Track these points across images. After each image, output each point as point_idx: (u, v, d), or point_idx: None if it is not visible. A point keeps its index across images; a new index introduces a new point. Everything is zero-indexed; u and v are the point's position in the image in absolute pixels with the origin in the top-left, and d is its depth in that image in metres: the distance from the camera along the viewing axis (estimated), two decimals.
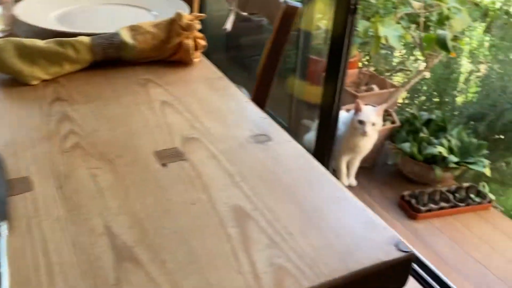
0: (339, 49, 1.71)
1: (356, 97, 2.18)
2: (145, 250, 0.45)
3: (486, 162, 2.01)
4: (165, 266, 0.44)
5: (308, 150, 1.90)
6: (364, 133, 1.85)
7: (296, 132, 2.25)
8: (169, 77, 0.80)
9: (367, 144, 1.99)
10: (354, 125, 1.86)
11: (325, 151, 1.92)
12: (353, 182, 2.10)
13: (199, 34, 0.84)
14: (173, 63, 0.84)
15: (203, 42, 0.84)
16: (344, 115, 1.97)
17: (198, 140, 0.63)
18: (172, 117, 0.68)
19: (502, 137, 2.24)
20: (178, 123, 0.67)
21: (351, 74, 2.33)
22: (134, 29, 0.81)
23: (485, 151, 2.04)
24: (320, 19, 2.16)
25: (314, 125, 1.99)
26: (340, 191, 0.56)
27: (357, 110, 1.86)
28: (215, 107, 0.72)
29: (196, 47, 0.84)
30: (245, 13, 1.10)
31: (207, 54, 0.79)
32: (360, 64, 2.41)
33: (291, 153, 0.62)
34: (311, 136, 2.07)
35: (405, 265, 0.48)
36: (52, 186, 0.53)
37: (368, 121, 1.86)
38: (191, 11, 1.21)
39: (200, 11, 2.54)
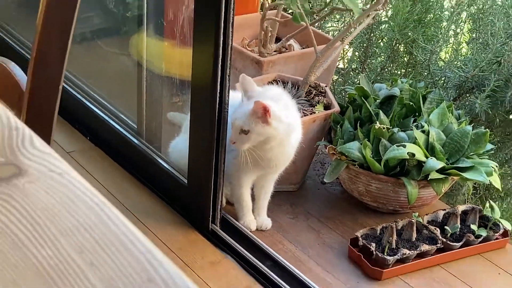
0: None
1: (261, 64, 2.13)
2: None
3: (492, 164, 2.01)
4: None
5: (178, 168, 2.13)
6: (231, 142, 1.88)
7: (153, 137, 2.21)
8: None
9: (282, 153, 1.90)
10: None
11: (207, 170, 1.91)
12: (265, 222, 2.00)
13: None
14: None
15: None
16: (236, 99, 1.90)
17: None
18: None
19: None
20: None
21: (250, 22, 2.31)
22: None
23: (488, 145, 2.07)
24: None
25: (187, 121, 1.95)
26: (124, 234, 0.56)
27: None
28: None
29: None
30: None
31: None
32: (266, 4, 2.33)
33: (51, 196, 0.60)
34: (182, 143, 2.01)
35: None
36: None
37: (234, 125, 1.83)
38: None
39: None
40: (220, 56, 1.74)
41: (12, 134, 0.66)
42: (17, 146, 0.64)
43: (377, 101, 2.12)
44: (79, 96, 2.32)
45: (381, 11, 2.21)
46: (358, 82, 2.33)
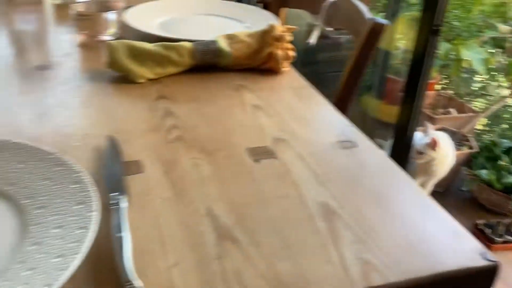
0: (419, 69, 1.73)
1: (433, 119, 2.16)
2: (242, 232, 0.49)
3: None
4: (260, 248, 0.48)
5: None
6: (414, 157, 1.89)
7: None
8: (259, 84, 0.85)
9: (441, 168, 1.94)
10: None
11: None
12: None
13: (289, 45, 0.89)
14: (263, 71, 0.88)
15: (292, 53, 0.89)
16: (419, 137, 1.94)
17: (287, 142, 0.67)
18: (263, 119, 0.73)
19: None
20: (268, 125, 0.71)
21: (429, 96, 2.28)
22: (230, 37, 0.88)
23: None
24: (400, 39, 2.16)
25: (387, 144, 1.98)
26: (424, 199, 0.56)
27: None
28: (301, 113, 0.76)
29: (285, 58, 0.89)
30: (330, 28, 1.13)
31: None
32: (439, 87, 2.39)
33: (376, 160, 0.64)
34: None
35: (491, 274, 0.49)
36: (160, 170, 0.59)
37: (415, 148, 1.87)
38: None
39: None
40: (414, 113, 1.78)
41: (349, 129, 0.70)
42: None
43: (501, 149, 2.09)
44: None
45: (509, 99, 2.15)
46: (489, 137, 2.26)
